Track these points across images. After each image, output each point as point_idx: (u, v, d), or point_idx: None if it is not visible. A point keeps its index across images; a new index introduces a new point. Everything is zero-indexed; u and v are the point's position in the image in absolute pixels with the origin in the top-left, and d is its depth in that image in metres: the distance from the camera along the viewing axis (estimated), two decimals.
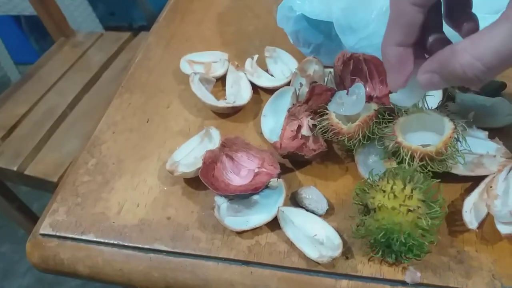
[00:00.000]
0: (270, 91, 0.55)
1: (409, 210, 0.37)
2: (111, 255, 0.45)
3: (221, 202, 0.44)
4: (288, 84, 0.54)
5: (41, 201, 1.50)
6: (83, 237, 0.46)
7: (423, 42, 0.38)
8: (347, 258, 0.40)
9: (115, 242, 0.45)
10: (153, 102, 0.59)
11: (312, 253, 0.40)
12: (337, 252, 0.39)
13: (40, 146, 1.07)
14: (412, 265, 0.39)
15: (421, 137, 0.42)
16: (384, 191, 0.38)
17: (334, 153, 0.49)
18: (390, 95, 0.42)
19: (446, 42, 0.37)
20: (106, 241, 0.45)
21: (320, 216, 0.43)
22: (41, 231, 0.47)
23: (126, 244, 0.45)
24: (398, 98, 0.42)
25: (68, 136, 1.09)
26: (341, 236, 0.41)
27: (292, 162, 0.49)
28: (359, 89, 0.45)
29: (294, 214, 0.43)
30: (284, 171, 0.47)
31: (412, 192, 0.37)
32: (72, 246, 0.46)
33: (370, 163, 0.45)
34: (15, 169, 1.03)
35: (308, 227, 0.42)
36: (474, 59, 0.30)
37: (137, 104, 0.59)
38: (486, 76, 0.31)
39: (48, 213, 0.49)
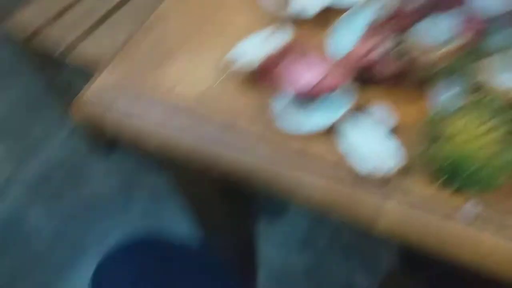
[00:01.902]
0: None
1: (485, 145, 0.34)
2: (156, 128, 0.44)
3: (278, 102, 0.42)
4: None
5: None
6: (130, 108, 0.45)
7: None
8: (402, 178, 0.38)
9: (163, 118, 0.44)
10: None
11: (366, 165, 0.37)
12: (394, 168, 0.37)
13: (91, 31, 1.05)
14: (471, 200, 0.36)
15: None
16: (460, 122, 0.35)
17: (409, 79, 0.45)
18: None
19: None
20: (153, 115, 0.44)
21: (382, 133, 0.40)
22: (89, 95, 0.47)
23: (171, 122, 0.44)
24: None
25: (122, 25, 1.05)
26: (401, 156, 0.38)
27: (362, 80, 0.45)
28: (457, 16, 0.40)
29: (353, 127, 0.40)
30: (352, 85, 0.44)
31: (492, 128, 0.34)
32: (117, 115, 0.45)
33: (446, 96, 0.42)
34: (60, 51, 1.01)
35: (365, 141, 0.39)
36: None
37: None
38: None
39: (97, 78, 0.48)
